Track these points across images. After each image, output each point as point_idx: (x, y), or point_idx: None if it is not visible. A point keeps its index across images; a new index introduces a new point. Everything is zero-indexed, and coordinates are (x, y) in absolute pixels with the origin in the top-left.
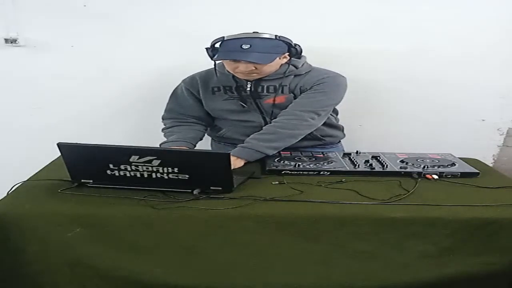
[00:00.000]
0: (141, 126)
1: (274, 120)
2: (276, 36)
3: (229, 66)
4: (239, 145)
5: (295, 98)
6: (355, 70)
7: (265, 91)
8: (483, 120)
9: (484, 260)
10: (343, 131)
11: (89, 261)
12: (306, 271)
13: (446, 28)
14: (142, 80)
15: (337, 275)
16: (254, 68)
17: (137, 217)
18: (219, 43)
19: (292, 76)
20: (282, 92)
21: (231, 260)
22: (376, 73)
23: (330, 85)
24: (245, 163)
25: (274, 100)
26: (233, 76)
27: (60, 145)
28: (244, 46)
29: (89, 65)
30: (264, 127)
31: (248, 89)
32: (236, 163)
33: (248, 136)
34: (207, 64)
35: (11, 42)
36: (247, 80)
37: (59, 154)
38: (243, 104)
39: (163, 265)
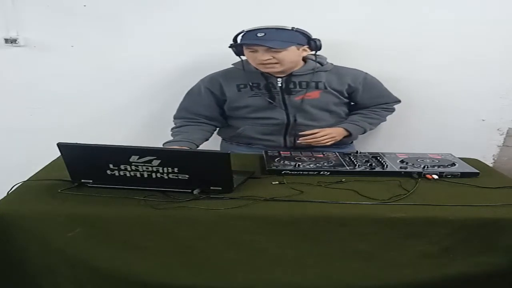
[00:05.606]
0: (141, 126)
1: (371, 108)
2: (292, 28)
3: (250, 58)
4: (345, 121)
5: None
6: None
7: (297, 86)
8: (483, 120)
9: (484, 260)
10: None
11: (89, 261)
12: (306, 271)
13: (446, 28)
14: (142, 80)
15: (337, 275)
16: (272, 57)
17: (137, 217)
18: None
19: (323, 72)
20: (317, 87)
21: (231, 260)
22: (375, 73)
23: (372, 78)
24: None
25: (305, 96)
26: (262, 73)
27: (60, 145)
28: (258, 34)
29: (89, 65)
30: (364, 111)
31: (279, 85)
32: (336, 133)
33: (266, 134)
34: (208, 64)
35: (11, 42)
36: (277, 77)
37: (59, 154)
38: (271, 101)
39: (163, 265)
